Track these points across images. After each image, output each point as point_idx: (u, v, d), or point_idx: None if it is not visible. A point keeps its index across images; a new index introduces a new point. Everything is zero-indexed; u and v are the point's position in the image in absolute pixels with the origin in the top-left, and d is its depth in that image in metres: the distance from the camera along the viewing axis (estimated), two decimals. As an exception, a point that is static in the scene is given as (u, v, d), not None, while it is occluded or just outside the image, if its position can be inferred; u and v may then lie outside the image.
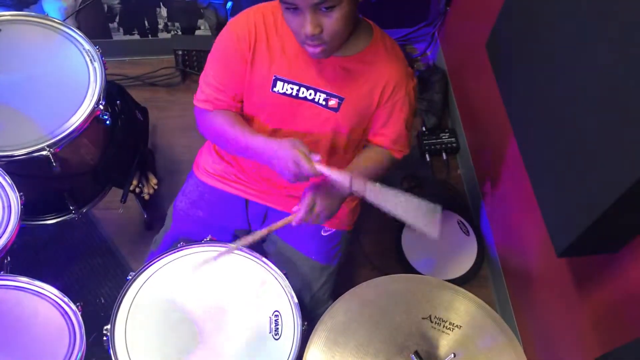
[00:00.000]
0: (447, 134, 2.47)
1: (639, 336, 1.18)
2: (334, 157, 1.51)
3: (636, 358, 1.15)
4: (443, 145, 2.46)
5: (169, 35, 2.56)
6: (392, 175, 2.25)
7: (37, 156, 1.53)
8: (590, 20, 1.15)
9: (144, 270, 1.44)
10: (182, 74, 2.57)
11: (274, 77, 1.39)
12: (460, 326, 1.34)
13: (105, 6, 2.41)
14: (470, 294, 1.39)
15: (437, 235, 1.21)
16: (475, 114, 2.31)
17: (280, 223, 1.36)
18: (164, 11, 2.47)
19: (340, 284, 1.66)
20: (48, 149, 1.53)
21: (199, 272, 1.45)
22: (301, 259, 1.63)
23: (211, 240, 1.51)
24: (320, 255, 1.63)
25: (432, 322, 1.34)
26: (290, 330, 1.38)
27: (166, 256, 1.47)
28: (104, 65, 1.68)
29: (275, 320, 1.40)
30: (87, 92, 1.63)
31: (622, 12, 1.06)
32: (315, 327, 1.32)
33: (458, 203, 2.35)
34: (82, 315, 1.36)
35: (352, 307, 1.35)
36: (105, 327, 1.35)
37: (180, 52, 2.49)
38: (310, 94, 1.40)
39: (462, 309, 1.36)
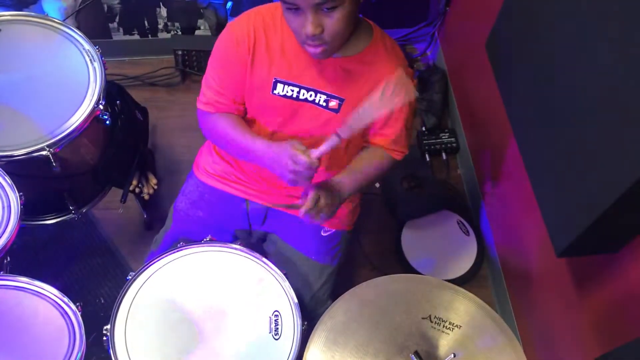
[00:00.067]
0: (447, 134, 2.47)
1: (639, 336, 1.18)
2: (334, 157, 1.51)
3: (636, 358, 1.15)
4: (443, 145, 2.46)
5: (168, 35, 2.56)
6: (392, 175, 2.25)
7: (37, 156, 1.53)
8: (590, 20, 1.15)
9: (144, 270, 1.44)
10: (182, 74, 2.57)
11: (274, 80, 1.39)
12: (460, 326, 1.34)
13: (105, 6, 2.41)
14: (470, 294, 1.39)
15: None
16: (475, 114, 2.31)
17: (285, 206, 1.36)
18: (163, 11, 2.47)
19: (340, 284, 1.65)
20: (48, 149, 1.53)
21: (200, 274, 1.45)
22: (301, 259, 1.63)
23: (211, 240, 1.51)
24: (320, 255, 1.63)
25: (431, 322, 1.34)
26: (290, 330, 1.38)
27: (166, 256, 1.47)
28: (104, 65, 1.68)
29: (275, 320, 1.40)
30: (87, 92, 1.63)
31: (622, 12, 1.06)
32: (315, 327, 1.32)
33: (458, 203, 2.35)
34: (82, 315, 1.36)
35: (352, 307, 1.35)
36: (105, 327, 1.35)
37: (180, 52, 2.49)
38: (310, 96, 1.40)
39: (462, 309, 1.36)
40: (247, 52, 1.37)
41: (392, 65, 1.39)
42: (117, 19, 2.47)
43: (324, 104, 1.41)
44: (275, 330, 1.38)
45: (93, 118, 1.61)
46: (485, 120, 2.21)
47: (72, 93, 1.63)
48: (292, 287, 1.43)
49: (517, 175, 1.88)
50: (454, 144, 2.46)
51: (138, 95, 2.14)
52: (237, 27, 1.38)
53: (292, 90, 1.40)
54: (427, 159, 2.46)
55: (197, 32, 2.57)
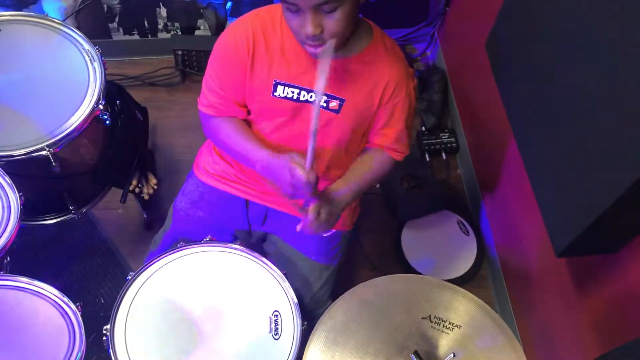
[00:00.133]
0: (447, 134, 2.47)
1: (639, 336, 1.18)
2: (335, 158, 1.51)
3: (636, 358, 1.15)
4: (443, 145, 2.46)
5: (168, 35, 2.56)
6: (392, 175, 2.25)
7: (36, 156, 1.53)
8: (590, 20, 1.15)
9: (144, 270, 1.44)
10: (182, 74, 2.57)
11: (274, 82, 1.39)
12: (460, 326, 1.34)
13: (105, 6, 2.41)
14: (469, 294, 1.39)
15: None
16: (475, 114, 2.31)
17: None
18: (163, 11, 2.47)
19: (340, 284, 1.65)
20: (48, 149, 1.53)
21: (200, 274, 1.45)
22: (301, 259, 1.63)
23: (211, 240, 1.51)
24: (320, 255, 1.63)
25: (431, 322, 1.34)
26: (290, 330, 1.38)
27: (166, 256, 1.47)
28: (104, 65, 1.68)
29: (275, 320, 1.40)
30: (86, 92, 1.63)
31: (622, 12, 1.06)
32: (315, 327, 1.32)
33: (457, 203, 2.35)
34: (81, 315, 1.37)
35: (352, 307, 1.35)
36: (104, 327, 1.35)
37: (179, 52, 2.49)
38: (311, 97, 1.40)
39: (462, 309, 1.36)
40: (247, 55, 1.37)
41: (393, 65, 1.39)
42: (117, 19, 2.47)
43: (325, 105, 1.41)
44: (275, 330, 1.38)
45: (93, 118, 1.61)
46: (485, 120, 2.21)
47: (72, 93, 1.63)
48: (292, 287, 1.44)
49: (517, 175, 1.88)
50: (454, 144, 2.46)
51: (138, 95, 2.14)
52: (237, 30, 1.38)
53: (293, 92, 1.40)
54: (427, 159, 2.46)
55: (197, 32, 2.57)
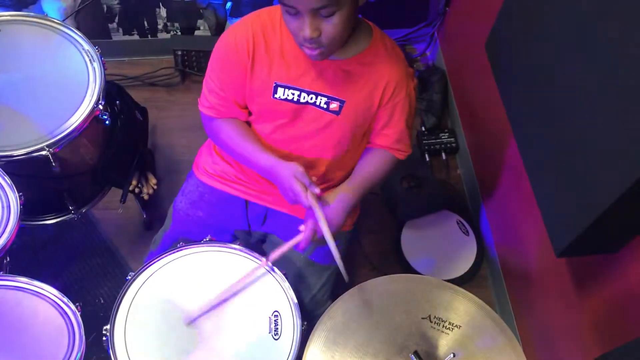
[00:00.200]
0: (447, 134, 2.47)
1: (639, 336, 1.18)
2: (336, 159, 1.51)
3: (636, 358, 1.15)
4: (442, 145, 2.46)
5: (168, 36, 2.56)
6: (392, 175, 2.25)
7: (36, 156, 1.53)
8: (590, 20, 1.15)
9: (144, 270, 1.44)
10: (182, 74, 2.57)
11: (274, 84, 1.39)
12: (460, 326, 1.34)
13: (105, 6, 2.41)
14: (469, 294, 1.39)
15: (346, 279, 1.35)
16: (475, 114, 2.31)
17: (289, 244, 1.40)
18: (163, 11, 2.47)
19: (340, 284, 1.65)
20: (47, 149, 1.53)
21: (200, 274, 1.45)
22: (301, 260, 1.63)
23: (211, 241, 1.51)
24: (320, 256, 1.63)
25: (431, 322, 1.34)
26: (289, 330, 1.38)
27: (165, 256, 1.47)
28: (104, 65, 1.68)
29: (275, 321, 1.40)
30: (86, 92, 1.63)
31: (622, 12, 1.06)
32: (315, 327, 1.32)
33: (457, 203, 2.35)
34: (81, 316, 1.36)
35: (352, 307, 1.35)
36: (104, 327, 1.35)
37: (179, 53, 2.49)
38: (311, 98, 1.40)
39: (462, 309, 1.36)
40: (247, 58, 1.37)
41: (393, 66, 1.39)
42: (116, 19, 2.47)
43: (325, 106, 1.41)
44: (275, 331, 1.38)
45: (92, 118, 1.61)
46: (484, 120, 2.21)
47: (72, 93, 1.63)
48: (292, 287, 1.43)
49: (516, 175, 1.88)
50: (454, 144, 2.46)
51: (138, 95, 2.14)
52: (237, 31, 1.38)
53: (293, 94, 1.40)
54: (427, 159, 2.46)
55: (196, 33, 2.57)
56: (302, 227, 1.40)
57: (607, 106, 1.09)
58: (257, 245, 1.72)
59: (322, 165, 1.52)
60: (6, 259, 1.50)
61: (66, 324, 1.35)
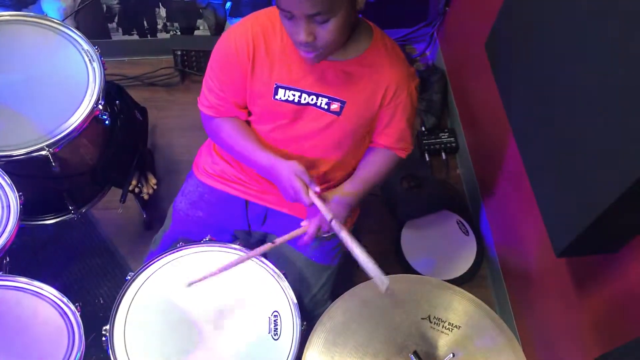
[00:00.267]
0: (447, 134, 2.47)
1: (639, 336, 1.18)
2: (338, 158, 1.51)
3: (636, 358, 1.15)
4: (442, 145, 2.46)
5: (168, 36, 2.56)
6: (392, 175, 2.25)
7: (36, 156, 1.53)
8: (590, 19, 1.15)
9: (143, 270, 1.44)
10: (181, 74, 2.56)
11: (275, 85, 1.39)
12: (459, 326, 1.34)
13: (104, 6, 2.41)
14: (469, 294, 1.39)
15: (382, 288, 1.25)
16: (475, 113, 2.31)
17: (292, 234, 1.40)
18: (162, 11, 2.47)
19: (340, 284, 1.65)
20: (47, 149, 1.53)
21: (199, 274, 1.45)
22: (301, 259, 1.62)
23: (210, 241, 1.51)
24: (320, 256, 1.63)
25: (431, 322, 1.34)
26: (289, 330, 1.38)
27: (165, 256, 1.47)
28: (103, 65, 1.68)
29: (275, 321, 1.40)
30: (86, 92, 1.63)
31: (622, 12, 1.06)
32: (315, 327, 1.32)
33: (457, 203, 2.35)
34: (81, 316, 1.36)
35: (351, 308, 1.35)
36: (104, 328, 1.35)
37: (179, 52, 2.49)
38: (312, 99, 1.40)
39: (461, 309, 1.36)
40: (247, 60, 1.37)
41: (394, 66, 1.39)
42: (116, 19, 2.47)
43: (326, 107, 1.41)
44: (274, 331, 1.38)
45: (92, 118, 1.61)
46: (484, 120, 2.21)
47: (71, 93, 1.62)
48: (292, 287, 1.43)
49: (516, 175, 1.88)
50: (454, 144, 2.46)
51: (137, 95, 2.14)
52: (237, 33, 1.38)
53: (294, 95, 1.40)
54: (427, 159, 2.46)
55: (196, 32, 2.57)
56: (304, 223, 1.40)
57: (607, 106, 1.09)
58: (257, 246, 1.71)
59: (322, 165, 1.52)
60: (6, 259, 1.50)
61: (66, 324, 1.35)
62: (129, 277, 1.42)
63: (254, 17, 1.39)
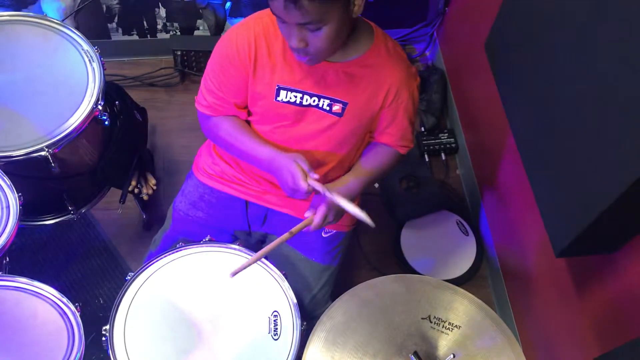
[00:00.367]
0: (446, 134, 2.47)
1: (639, 336, 1.18)
2: (338, 158, 1.51)
3: (636, 358, 1.15)
4: (442, 146, 2.46)
5: (167, 36, 2.56)
6: (391, 175, 2.25)
7: (35, 157, 1.53)
8: (590, 19, 1.15)
9: (143, 270, 1.44)
10: (181, 74, 2.56)
11: (277, 87, 1.39)
12: (460, 326, 1.34)
13: (104, 6, 2.41)
14: (469, 294, 1.39)
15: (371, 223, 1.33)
16: (474, 114, 2.31)
17: (297, 228, 1.40)
18: (162, 11, 2.47)
19: (340, 284, 1.65)
20: (47, 149, 1.53)
21: (199, 274, 1.45)
22: (302, 260, 1.63)
23: (210, 241, 1.51)
24: (321, 256, 1.63)
25: (431, 322, 1.34)
26: (289, 330, 1.38)
27: (165, 256, 1.47)
28: (103, 65, 1.68)
29: (275, 321, 1.40)
30: (85, 93, 1.63)
31: (622, 12, 1.06)
32: (314, 327, 1.32)
33: (457, 203, 2.35)
34: (80, 316, 1.36)
35: (351, 308, 1.35)
36: (104, 328, 1.35)
37: (179, 53, 2.49)
38: (314, 101, 1.40)
39: (461, 309, 1.36)
40: (248, 61, 1.37)
41: (395, 67, 1.39)
42: (116, 19, 2.47)
43: (328, 108, 1.41)
44: (274, 331, 1.38)
45: (92, 118, 1.61)
46: (484, 121, 2.21)
47: (71, 93, 1.62)
48: (292, 288, 1.44)
49: (516, 175, 1.88)
50: (453, 144, 2.46)
51: (137, 95, 2.14)
52: (238, 34, 1.38)
53: (296, 97, 1.40)
54: (426, 159, 2.46)
55: (196, 33, 2.57)
56: (307, 214, 1.40)
57: (606, 106, 1.09)
58: (257, 246, 1.72)
59: (323, 166, 1.51)
60: (5, 259, 1.50)
61: (65, 324, 1.35)
62: (129, 277, 1.42)
63: (256, 18, 1.39)
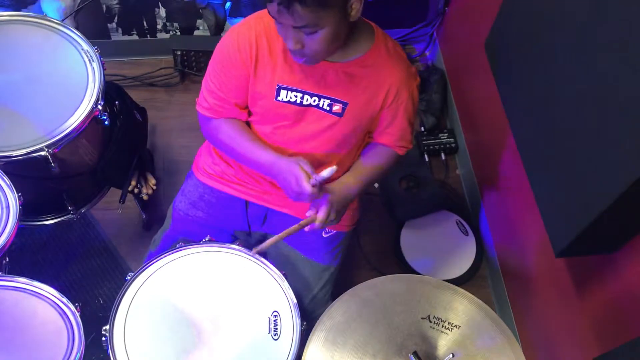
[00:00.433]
0: (446, 134, 2.47)
1: (638, 336, 1.18)
2: (338, 158, 1.51)
3: (635, 358, 1.15)
4: (442, 146, 2.46)
5: (167, 36, 2.56)
6: (390, 175, 2.25)
7: (35, 157, 1.53)
8: (590, 19, 1.15)
9: (143, 270, 1.44)
10: (181, 74, 2.56)
11: (277, 86, 1.39)
12: (459, 326, 1.34)
13: (104, 6, 2.41)
14: (469, 294, 1.39)
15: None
16: (474, 114, 2.31)
17: (297, 227, 1.40)
18: (162, 11, 2.47)
19: (340, 284, 1.65)
20: (47, 149, 1.53)
21: (199, 274, 1.45)
22: (302, 260, 1.63)
23: (210, 241, 1.51)
24: (321, 256, 1.63)
25: (431, 322, 1.34)
26: (289, 330, 1.38)
27: (165, 256, 1.47)
28: (103, 65, 1.68)
29: (275, 321, 1.40)
30: (85, 93, 1.63)
31: (622, 12, 1.06)
32: (314, 327, 1.32)
33: (457, 203, 2.35)
34: (80, 316, 1.36)
35: (351, 307, 1.35)
36: (104, 328, 1.35)
37: (179, 53, 2.49)
38: (314, 101, 1.40)
39: (461, 309, 1.36)
40: (249, 61, 1.37)
41: (395, 68, 1.39)
42: (115, 19, 2.47)
43: (328, 109, 1.41)
44: (274, 331, 1.38)
45: (92, 118, 1.61)
46: (484, 121, 2.21)
47: (71, 93, 1.62)
48: (292, 288, 1.43)
49: (516, 175, 1.88)
50: (453, 144, 2.46)
51: (137, 95, 2.14)
52: (240, 34, 1.38)
53: (296, 96, 1.40)
54: (426, 159, 2.46)
55: (195, 33, 2.57)
56: (309, 213, 1.40)
57: (606, 106, 1.09)
58: (257, 246, 1.72)
59: (323, 166, 1.51)
60: (5, 259, 1.50)
61: (65, 324, 1.35)
62: (129, 277, 1.42)
63: (257, 17, 1.39)
